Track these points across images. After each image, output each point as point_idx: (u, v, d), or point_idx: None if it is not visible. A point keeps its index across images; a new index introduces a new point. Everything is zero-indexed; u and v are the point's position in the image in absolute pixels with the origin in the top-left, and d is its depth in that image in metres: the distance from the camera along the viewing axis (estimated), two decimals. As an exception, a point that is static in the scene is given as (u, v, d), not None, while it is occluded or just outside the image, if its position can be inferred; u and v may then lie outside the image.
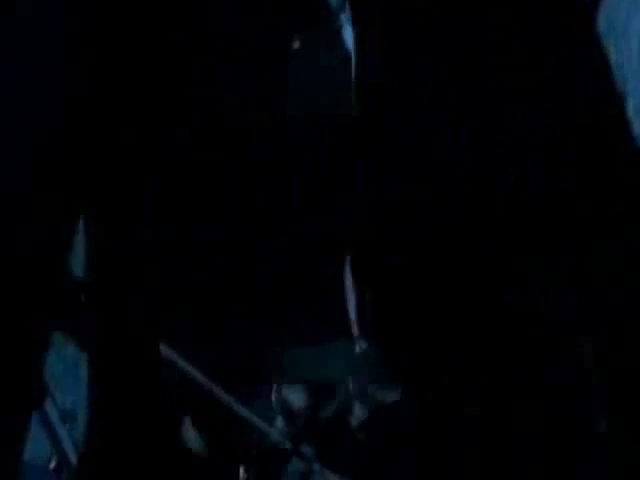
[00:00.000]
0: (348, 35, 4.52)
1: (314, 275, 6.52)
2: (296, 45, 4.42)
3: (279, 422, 7.33)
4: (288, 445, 7.28)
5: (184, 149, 4.57)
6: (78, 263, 4.79)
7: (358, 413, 7.32)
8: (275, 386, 7.39)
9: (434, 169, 4.02)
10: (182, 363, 6.30)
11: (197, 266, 4.26)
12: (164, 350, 6.34)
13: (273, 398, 7.44)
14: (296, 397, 7.54)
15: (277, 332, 7.01)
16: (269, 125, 4.41)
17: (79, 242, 4.33)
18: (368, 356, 7.39)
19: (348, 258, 3.88)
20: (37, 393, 6.06)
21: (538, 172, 3.89)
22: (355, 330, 6.44)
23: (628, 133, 4.21)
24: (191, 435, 5.09)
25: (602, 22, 4.27)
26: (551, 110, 4.00)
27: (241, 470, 5.73)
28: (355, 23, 4.04)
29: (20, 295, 5.23)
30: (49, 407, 6.07)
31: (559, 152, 4.12)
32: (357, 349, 7.41)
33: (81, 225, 4.19)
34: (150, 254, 4.06)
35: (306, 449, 7.27)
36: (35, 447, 6.17)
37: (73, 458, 6.68)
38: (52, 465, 6.41)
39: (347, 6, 4.65)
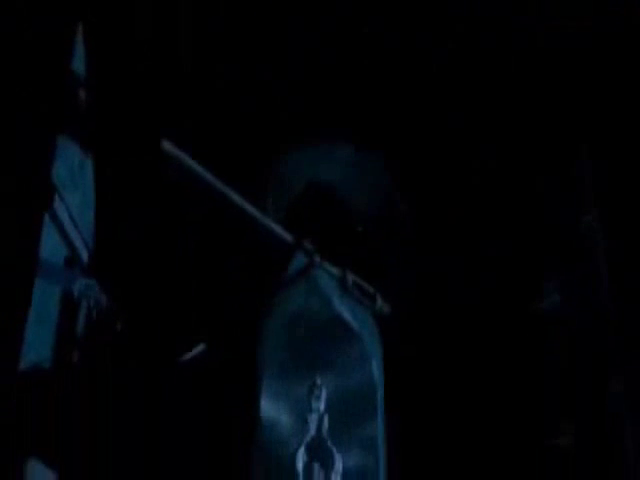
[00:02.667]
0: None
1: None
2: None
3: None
4: (291, 239, 7.74)
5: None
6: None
7: (358, 209, 7.78)
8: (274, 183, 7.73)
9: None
10: (189, 161, 6.57)
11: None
12: (170, 148, 6.57)
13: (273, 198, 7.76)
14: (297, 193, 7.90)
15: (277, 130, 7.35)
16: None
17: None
18: (363, 158, 7.78)
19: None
20: (47, 196, 6.28)
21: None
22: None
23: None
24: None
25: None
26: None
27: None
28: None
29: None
30: (59, 207, 6.25)
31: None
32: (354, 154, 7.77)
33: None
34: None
35: (308, 243, 7.73)
36: (48, 246, 6.40)
37: (84, 254, 6.89)
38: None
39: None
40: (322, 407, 7.83)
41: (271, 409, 7.72)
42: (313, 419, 7.81)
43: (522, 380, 7.38)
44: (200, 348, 7.43)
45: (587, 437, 6.98)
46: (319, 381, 7.84)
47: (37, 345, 6.68)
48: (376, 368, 7.77)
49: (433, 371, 7.45)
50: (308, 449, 7.68)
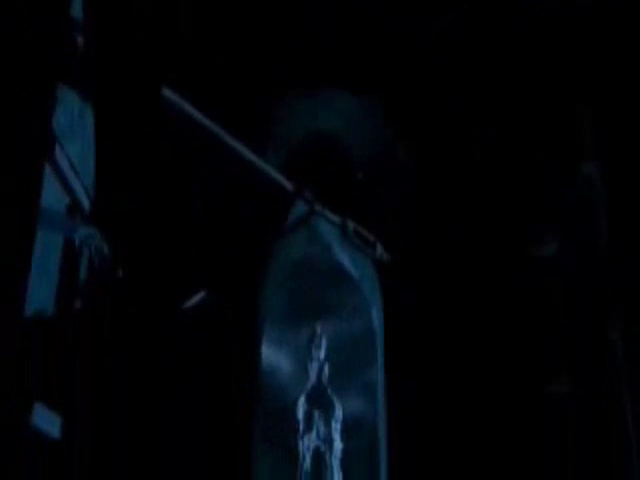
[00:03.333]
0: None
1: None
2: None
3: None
4: (292, 188, 7.72)
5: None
6: None
7: (357, 161, 7.74)
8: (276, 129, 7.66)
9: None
10: (189, 108, 6.51)
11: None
12: (171, 96, 6.52)
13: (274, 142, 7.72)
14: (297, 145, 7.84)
15: (277, 78, 7.26)
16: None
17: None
18: (362, 107, 7.71)
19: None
20: (47, 144, 6.23)
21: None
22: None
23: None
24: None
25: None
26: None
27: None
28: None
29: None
30: (59, 156, 6.24)
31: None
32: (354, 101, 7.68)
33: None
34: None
35: (308, 192, 7.71)
36: (49, 195, 6.38)
37: (85, 203, 6.88)
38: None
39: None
40: (322, 356, 7.90)
41: (272, 356, 7.78)
42: (313, 368, 7.89)
43: (520, 326, 7.43)
44: (201, 295, 7.47)
45: (585, 384, 7.05)
46: (319, 330, 7.90)
47: (40, 293, 6.70)
48: (376, 315, 7.83)
49: (433, 318, 7.50)
50: (308, 397, 7.77)
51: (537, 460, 7.15)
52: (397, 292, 7.62)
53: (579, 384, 7.24)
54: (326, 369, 8.15)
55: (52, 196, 6.72)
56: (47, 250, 6.66)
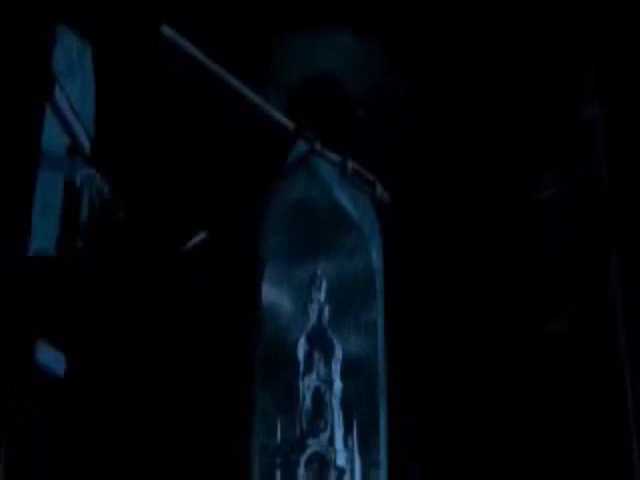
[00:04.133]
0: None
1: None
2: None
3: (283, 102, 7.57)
4: (292, 127, 7.64)
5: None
6: None
7: (357, 101, 7.62)
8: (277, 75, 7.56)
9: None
10: (189, 47, 6.44)
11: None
12: (171, 34, 6.43)
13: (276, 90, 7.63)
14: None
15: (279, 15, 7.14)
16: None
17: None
18: (363, 45, 7.60)
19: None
20: (47, 85, 6.16)
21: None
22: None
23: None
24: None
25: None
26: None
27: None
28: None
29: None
30: (59, 97, 6.20)
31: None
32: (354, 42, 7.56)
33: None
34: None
35: (309, 130, 7.64)
36: (50, 137, 6.34)
37: (85, 143, 6.86)
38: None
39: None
40: (322, 297, 7.95)
41: (273, 295, 7.83)
42: (313, 309, 7.94)
43: (521, 265, 7.43)
44: (201, 236, 7.48)
45: (584, 323, 7.09)
46: (319, 272, 7.93)
47: (42, 233, 6.70)
48: (375, 255, 7.85)
49: (432, 258, 7.50)
50: (308, 338, 7.82)
51: (537, 396, 7.21)
52: (397, 232, 7.62)
53: (579, 321, 7.28)
54: (326, 311, 8.20)
55: (52, 137, 6.70)
56: (48, 191, 6.65)
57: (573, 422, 7.10)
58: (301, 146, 7.90)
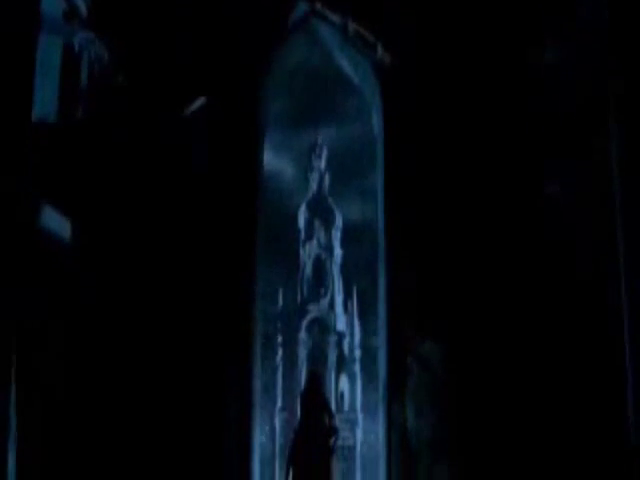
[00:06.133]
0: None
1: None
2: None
3: None
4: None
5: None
6: None
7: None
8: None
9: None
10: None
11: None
12: None
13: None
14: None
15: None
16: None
17: None
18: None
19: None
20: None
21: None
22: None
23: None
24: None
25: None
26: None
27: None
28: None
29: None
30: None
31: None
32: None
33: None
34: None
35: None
36: (48, 2, 6.10)
37: (82, 7, 6.59)
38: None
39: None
40: (323, 165, 7.87)
41: (274, 161, 7.73)
42: (314, 177, 7.87)
43: (520, 127, 7.34)
44: (201, 100, 7.31)
45: (582, 183, 7.10)
46: (320, 140, 7.83)
47: (42, 99, 6.57)
48: (376, 119, 7.74)
49: (433, 123, 7.41)
50: (309, 206, 7.79)
51: (534, 258, 7.26)
52: (398, 95, 7.49)
53: (575, 185, 7.29)
54: (327, 179, 8.14)
55: (50, 1, 6.47)
56: (48, 56, 6.46)
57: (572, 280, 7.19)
58: (301, 7, 7.69)
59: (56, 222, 6.97)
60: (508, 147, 7.60)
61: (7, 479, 6.12)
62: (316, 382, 7.63)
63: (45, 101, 6.67)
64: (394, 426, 7.30)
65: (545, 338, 7.13)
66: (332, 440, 7.12)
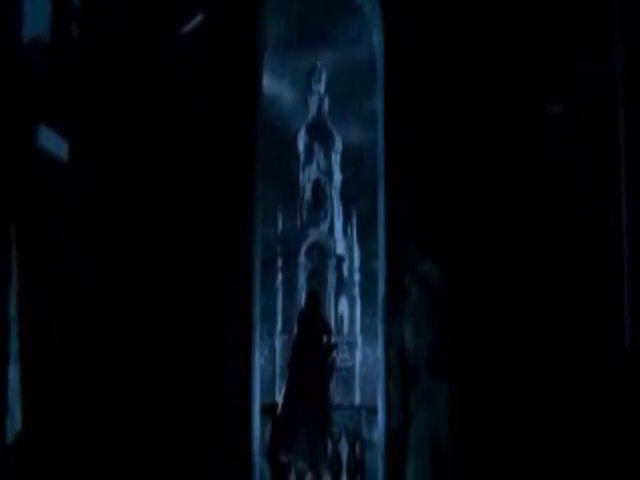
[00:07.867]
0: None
1: None
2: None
3: None
4: None
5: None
6: None
7: None
8: None
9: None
10: None
11: None
12: None
13: None
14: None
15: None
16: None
17: None
18: None
19: None
20: None
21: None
22: None
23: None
24: None
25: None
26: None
27: None
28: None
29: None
30: None
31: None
32: None
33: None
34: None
35: None
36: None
37: None
38: None
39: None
40: (322, 89, 7.84)
41: (273, 85, 7.70)
42: (313, 101, 7.85)
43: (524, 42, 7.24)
44: (198, 19, 7.29)
45: (584, 103, 7.03)
46: (319, 64, 7.79)
47: (33, 18, 6.54)
48: (377, 40, 7.68)
49: (435, 43, 7.30)
50: (309, 129, 7.77)
51: (536, 173, 7.19)
52: (399, 15, 7.43)
53: (578, 103, 7.22)
54: (326, 103, 8.12)
55: None
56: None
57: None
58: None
59: (53, 142, 6.95)
60: (511, 63, 7.48)
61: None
62: (315, 300, 7.63)
63: (38, 20, 6.65)
64: (392, 345, 7.31)
65: (545, 257, 7.10)
66: (331, 356, 7.13)
